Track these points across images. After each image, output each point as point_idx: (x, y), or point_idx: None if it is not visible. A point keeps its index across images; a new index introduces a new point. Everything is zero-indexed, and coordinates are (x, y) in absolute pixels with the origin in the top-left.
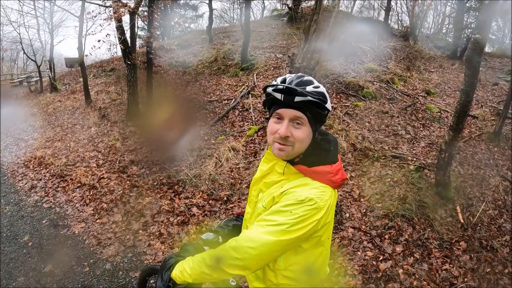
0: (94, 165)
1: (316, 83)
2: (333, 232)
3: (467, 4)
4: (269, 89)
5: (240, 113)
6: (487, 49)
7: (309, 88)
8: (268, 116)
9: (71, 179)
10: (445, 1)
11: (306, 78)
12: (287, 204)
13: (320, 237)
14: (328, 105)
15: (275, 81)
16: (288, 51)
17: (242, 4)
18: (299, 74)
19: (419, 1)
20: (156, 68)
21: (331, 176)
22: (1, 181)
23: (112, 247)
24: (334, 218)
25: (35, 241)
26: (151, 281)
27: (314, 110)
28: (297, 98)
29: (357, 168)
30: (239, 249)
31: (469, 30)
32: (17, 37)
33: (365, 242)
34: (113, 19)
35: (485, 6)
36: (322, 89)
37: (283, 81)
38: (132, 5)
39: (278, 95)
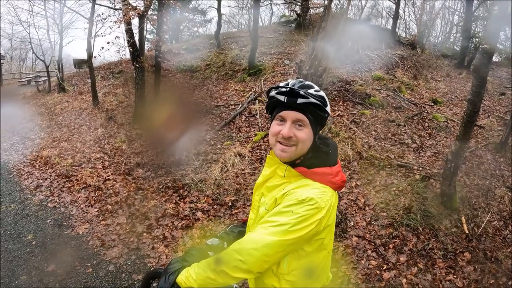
0: (100, 166)
1: (316, 87)
2: (337, 240)
3: (475, 13)
4: (273, 92)
5: (247, 119)
6: (494, 58)
7: (311, 91)
8: (270, 119)
9: (76, 179)
10: (454, 1)
11: (307, 82)
12: (288, 204)
13: (323, 239)
14: (328, 109)
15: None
16: (296, 57)
17: (251, 9)
18: (300, 79)
19: (427, 9)
20: (164, 71)
21: (331, 177)
22: (3, 179)
23: (115, 249)
24: (338, 226)
25: (39, 240)
26: (154, 284)
27: (316, 112)
28: (300, 100)
29: (363, 176)
30: (242, 251)
31: (477, 40)
32: (27, 36)
33: (369, 251)
34: (122, 22)
35: (493, 16)
36: (322, 93)
37: (286, 85)
38: (141, 8)
39: (282, 97)
